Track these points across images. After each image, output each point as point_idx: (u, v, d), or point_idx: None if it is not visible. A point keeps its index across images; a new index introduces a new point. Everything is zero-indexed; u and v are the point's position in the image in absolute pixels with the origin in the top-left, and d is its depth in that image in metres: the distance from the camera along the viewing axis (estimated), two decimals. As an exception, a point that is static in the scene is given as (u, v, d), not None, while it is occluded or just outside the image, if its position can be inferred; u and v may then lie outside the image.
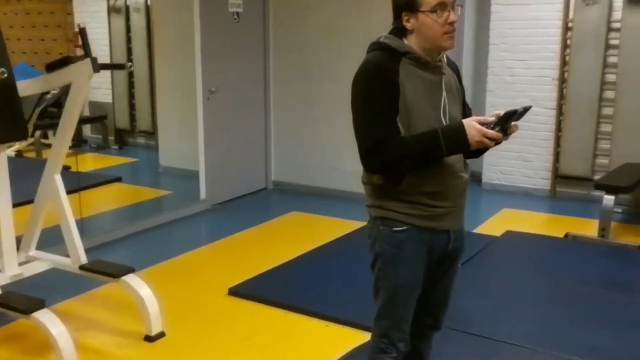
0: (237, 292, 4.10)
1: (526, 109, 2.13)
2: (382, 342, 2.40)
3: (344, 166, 6.43)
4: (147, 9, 8.37)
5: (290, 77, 6.63)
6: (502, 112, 2.15)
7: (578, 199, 6.40)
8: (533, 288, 4.23)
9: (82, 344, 3.32)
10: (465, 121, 2.12)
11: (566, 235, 5.21)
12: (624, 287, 4.32)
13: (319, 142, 6.61)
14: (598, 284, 4.31)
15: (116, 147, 8.86)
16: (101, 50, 8.47)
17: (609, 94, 6.16)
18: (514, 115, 2.09)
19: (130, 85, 8.66)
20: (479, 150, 2.25)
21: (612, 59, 6.11)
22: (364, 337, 3.49)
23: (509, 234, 5.21)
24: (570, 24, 6.23)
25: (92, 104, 8.72)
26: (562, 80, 6.33)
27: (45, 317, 3.13)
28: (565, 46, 6.28)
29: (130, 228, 5.39)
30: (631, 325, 3.69)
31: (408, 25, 2.19)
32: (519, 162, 6.66)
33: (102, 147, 8.76)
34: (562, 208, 6.22)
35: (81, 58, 3.40)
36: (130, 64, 3.58)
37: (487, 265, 4.62)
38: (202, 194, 6.06)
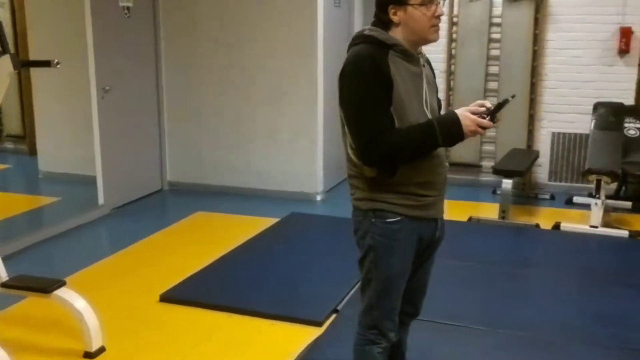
0: (169, 298, 3.93)
1: (513, 97, 2.25)
2: (372, 333, 2.41)
3: (241, 163, 6.37)
4: (12, 4, 7.75)
5: (184, 74, 6.44)
6: (486, 102, 2.24)
7: (467, 185, 6.77)
8: (453, 270, 4.41)
9: (19, 368, 3.04)
10: (458, 112, 2.18)
11: (470, 219, 5.50)
12: (533, 262, 4.66)
13: (214, 140, 6.48)
14: (510, 262, 4.60)
15: (-21, 153, 8.15)
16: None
17: (493, 85, 6.58)
18: (504, 104, 2.19)
19: (-5, 85, 7.95)
20: None
21: (494, 52, 6.53)
22: (314, 332, 3.51)
23: (418, 221, 5.40)
24: (455, 19, 6.57)
25: (-54, 108, 7.95)
26: (450, 73, 6.67)
27: (-19, 343, 2.83)
28: (451, 40, 6.62)
29: (26, 240, 4.96)
30: (550, 296, 3.99)
31: (395, 18, 2.21)
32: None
33: (-37, 155, 8.02)
34: (455, 193, 6.53)
35: (-2, 55, 3.09)
36: (57, 60, 3.25)
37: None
38: (100, 199, 5.72)
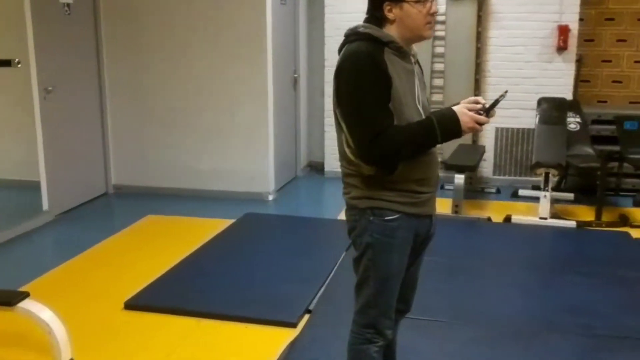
0: (135, 305, 3.79)
1: (506, 92, 2.29)
2: (368, 332, 2.40)
3: (190, 164, 6.25)
4: None
5: (127, 72, 6.24)
6: (480, 98, 2.27)
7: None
8: (418, 266, 4.47)
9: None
10: (456, 108, 2.20)
11: (424, 214, 5.57)
12: (491, 255, 4.76)
13: (161, 140, 6.31)
14: (470, 256, 4.69)
15: None
16: None
17: (438, 82, 6.69)
18: (500, 100, 2.22)
19: None
20: None
21: (439, 49, 6.64)
22: (289, 334, 3.47)
23: (374, 218, 5.42)
24: (400, 17, 6.63)
25: None
26: (396, 70, 6.72)
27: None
28: (395, 38, 6.67)
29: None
30: (514, 288, 4.10)
31: (390, 16, 2.21)
32: (359, 149, 6.94)
33: None
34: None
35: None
36: (17, 60, 3.05)
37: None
38: (45, 205, 5.47)
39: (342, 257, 4.54)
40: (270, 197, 6.24)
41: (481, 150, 6.30)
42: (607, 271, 4.35)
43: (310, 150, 7.50)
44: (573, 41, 6.39)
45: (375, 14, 2.24)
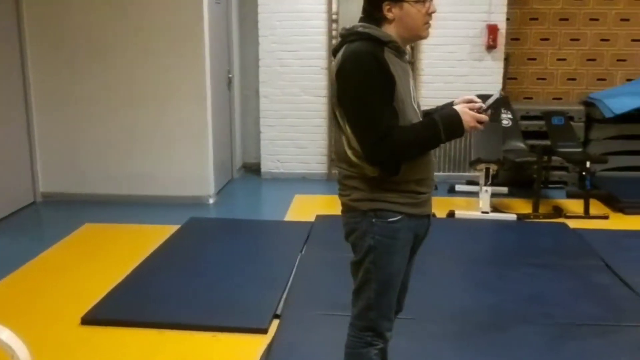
0: (93, 319, 3.59)
1: (502, 90, 2.32)
2: (368, 335, 2.38)
3: (124, 169, 6.01)
4: None
5: (55, 71, 5.89)
6: (475, 97, 2.29)
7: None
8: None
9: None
10: (457, 108, 2.21)
11: (370, 213, 5.60)
12: (442, 250, 4.80)
13: (93, 145, 6.02)
14: (421, 252, 4.72)
15: None
16: None
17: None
18: (499, 100, 2.25)
19: None
20: None
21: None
22: (261, 340, 3.40)
23: (321, 218, 5.39)
24: (335, 16, 6.65)
25: None
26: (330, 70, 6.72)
27: None
28: (331, 37, 6.69)
29: None
30: (473, 282, 4.19)
31: (389, 15, 2.19)
32: (295, 149, 6.92)
33: None
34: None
35: None
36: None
37: (321, 248, 4.74)
38: (-28, 217, 5.12)
39: (298, 258, 4.50)
40: (211, 201, 6.09)
41: (420, 148, 6.39)
42: (554, 261, 4.52)
43: (245, 151, 7.39)
44: (502, 40, 6.61)
45: (374, 13, 2.21)
